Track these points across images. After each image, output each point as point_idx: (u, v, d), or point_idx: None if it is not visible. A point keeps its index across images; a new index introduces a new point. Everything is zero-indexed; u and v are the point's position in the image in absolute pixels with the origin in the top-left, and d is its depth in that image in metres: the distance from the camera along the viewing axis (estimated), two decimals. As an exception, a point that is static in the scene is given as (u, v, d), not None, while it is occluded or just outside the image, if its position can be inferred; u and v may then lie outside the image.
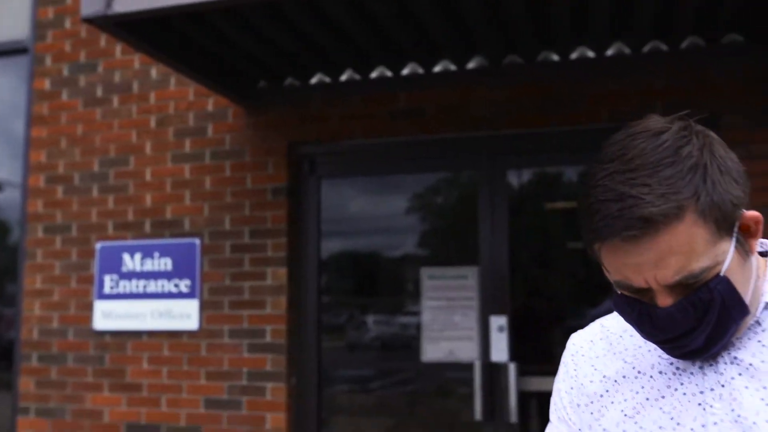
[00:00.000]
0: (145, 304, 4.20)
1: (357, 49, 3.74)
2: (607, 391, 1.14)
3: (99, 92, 4.47)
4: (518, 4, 3.16)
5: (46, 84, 4.57)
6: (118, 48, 4.44)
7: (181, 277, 4.17)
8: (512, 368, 3.72)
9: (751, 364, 1.01)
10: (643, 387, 1.10)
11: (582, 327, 1.28)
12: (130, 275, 4.25)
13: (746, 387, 1.00)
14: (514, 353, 3.79)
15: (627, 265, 0.95)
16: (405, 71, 3.99)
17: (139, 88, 4.41)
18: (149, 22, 3.25)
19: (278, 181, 4.10)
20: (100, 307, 4.28)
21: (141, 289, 4.22)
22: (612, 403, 1.13)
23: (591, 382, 1.18)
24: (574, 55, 3.78)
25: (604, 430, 1.12)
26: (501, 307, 3.82)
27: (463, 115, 3.91)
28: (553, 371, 1.35)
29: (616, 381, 1.14)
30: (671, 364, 1.09)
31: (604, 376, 1.16)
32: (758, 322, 1.03)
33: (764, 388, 0.99)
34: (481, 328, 3.86)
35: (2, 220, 4.85)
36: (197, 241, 4.17)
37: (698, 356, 1.02)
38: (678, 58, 3.64)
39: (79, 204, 4.43)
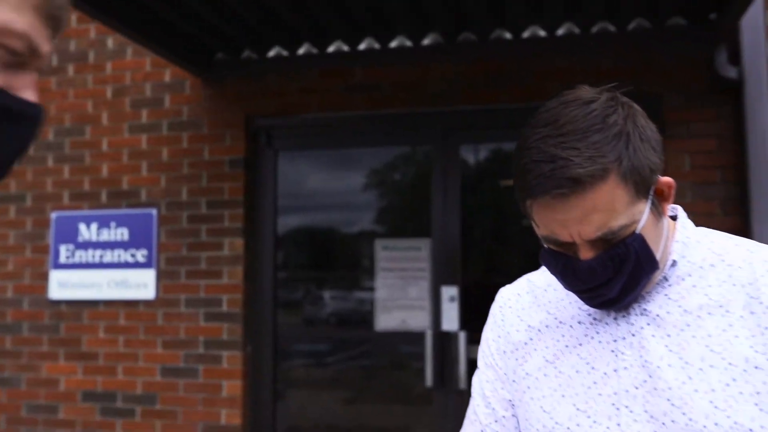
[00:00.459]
0: (102, 273, 4.22)
1: (314, 21, 3.78)
2: (531, 339, 1.24)
3: (54, 61, 4.43)
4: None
5: (0, 52, 4.51)
6: (74, 17, 4.40)
7: (137, 247, 4.19)
8: (462, 337, 3.85)
9: (657, 315, 1.11)
10: (563, 335, 1.20)
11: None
12: (86, 245, 4.26)
13: (653, 335, 1.10)
14: (465, 323, 3.92)
15: (555, 220, 1.04)
16: (362, 46, 4.05)
17: (95, 58, 4.39)
18: (106, -9, 3.25)
19: (235, 153, 4.14)
20: (55, 276, 4.28)
21: (97, 259, 4.24)
22: (535, 350, 1.23)
23: (517, 331, 1.27)
24: (526, 34, 3.87)
25: (527, 374, 1.22)
26: (452, 278, 3.94)
27: (419, 91, 3.99)
28: None
29: (539, 330, 1.24)
30: (589, 315, 1.18)
31: (529, 326, 1.26)
32: (665, 278, 1.13)
33: (668, 336, 1.09)
34: (432, 298, 3.98)
35: (-46, 190, 4.79)
36: (154, 212, 4.19)
37: (613, 306, 1.12)
38: (625, 39, 3.75)
39: (34, 173, 4.41)
